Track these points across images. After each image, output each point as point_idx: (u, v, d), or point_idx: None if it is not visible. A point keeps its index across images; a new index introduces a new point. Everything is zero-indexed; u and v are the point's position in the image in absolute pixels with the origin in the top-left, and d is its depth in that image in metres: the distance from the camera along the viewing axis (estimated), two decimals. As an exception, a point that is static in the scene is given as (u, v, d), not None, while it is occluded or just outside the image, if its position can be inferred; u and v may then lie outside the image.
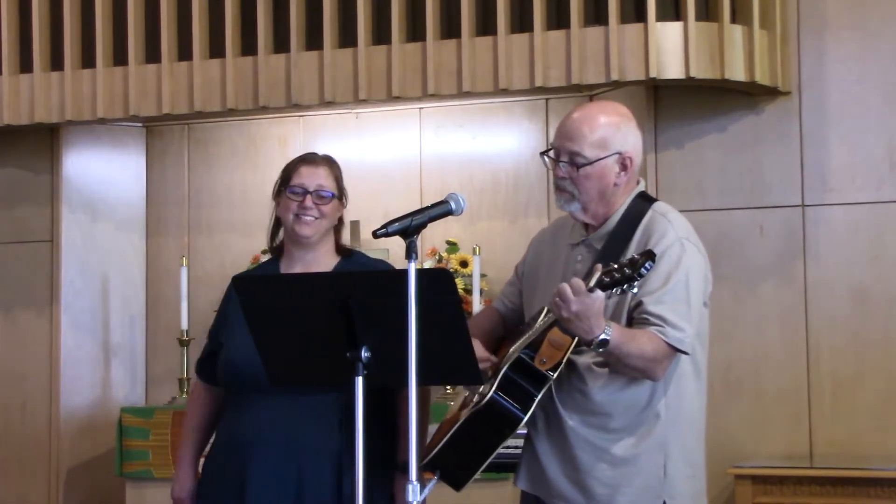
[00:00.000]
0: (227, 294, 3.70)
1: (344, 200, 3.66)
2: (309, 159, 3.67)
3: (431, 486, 3.25)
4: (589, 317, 3.02)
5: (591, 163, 3.27)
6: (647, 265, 2.93)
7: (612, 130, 3.30)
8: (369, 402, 3.37)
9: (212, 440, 3.72)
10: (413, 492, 2.85)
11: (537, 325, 3.25)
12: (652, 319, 3.15)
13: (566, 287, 3.02)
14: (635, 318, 3.19)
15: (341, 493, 3.46)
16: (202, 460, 3.73)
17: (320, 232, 3.60)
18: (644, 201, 3.34)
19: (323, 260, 3.63)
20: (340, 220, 3.68)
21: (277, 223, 3.69)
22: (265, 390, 3.43)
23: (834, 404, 5.23)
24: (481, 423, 3.21)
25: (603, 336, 3.04)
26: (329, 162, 3.67)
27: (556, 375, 3.19)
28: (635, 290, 3.01)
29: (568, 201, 3.31)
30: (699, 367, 3.32)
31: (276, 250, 3.72)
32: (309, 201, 3.57)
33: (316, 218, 3.57)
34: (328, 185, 3.61)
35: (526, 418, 3.18)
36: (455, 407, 3.48)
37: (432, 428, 3.54)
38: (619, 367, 3.17)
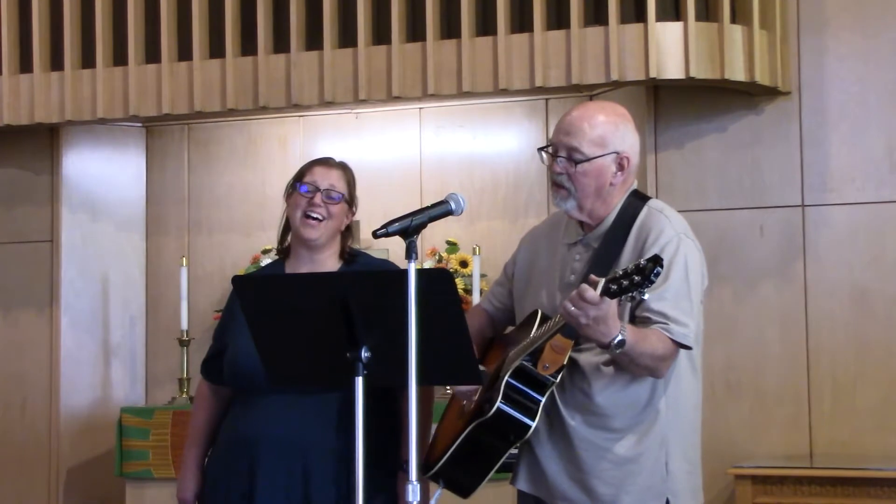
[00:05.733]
0: (233, 294, 3.68)
1: (353, 207, 3.65)
2: (324, 161, 3.68)
3: (438, 495, 3.25)
4: (607, 320, 3.00)
5: (588, 160, 3.28)
6: (656, 271, 2.90)
7: (611, 129, 3.30)
8: (372, 402, 3.36)
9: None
10: (413, 492, 2.85)
11: (536, 333, 3.24)
12: (655, 317, 3.15)
13: (587, 291, 2.97)
14: (637, 316, 3.19)
15: (348, 492, 3.43)
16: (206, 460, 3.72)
17: (326, 234, 3.59)
18: (638, 199, 3.35)
19: (328, 263, 3.62)
20: (348, 228, 3.66)
21: (287, 224, 3.68)
22: (269, 390, 3.44)
23: (834, 404, 5.23)
24: (487, 433, 3.20)
25: (620, 337, 3.03)
26: (344, 167, 3.68)
27: (558, 380, 3.19)
28: (645, 296, 2.98)
29: (564, 198, 3.31)
30: (695, 364, 3.33)
31: (284, 251, 3.71)
32: (318, 199, 3.56)
33: (323, 218, 3.56)
34: (339, 186, 3.61)
35: (534, 425, 3.18)
36: (453, 415, 3.47)
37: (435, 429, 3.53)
38: (630, 366, 3.18)
